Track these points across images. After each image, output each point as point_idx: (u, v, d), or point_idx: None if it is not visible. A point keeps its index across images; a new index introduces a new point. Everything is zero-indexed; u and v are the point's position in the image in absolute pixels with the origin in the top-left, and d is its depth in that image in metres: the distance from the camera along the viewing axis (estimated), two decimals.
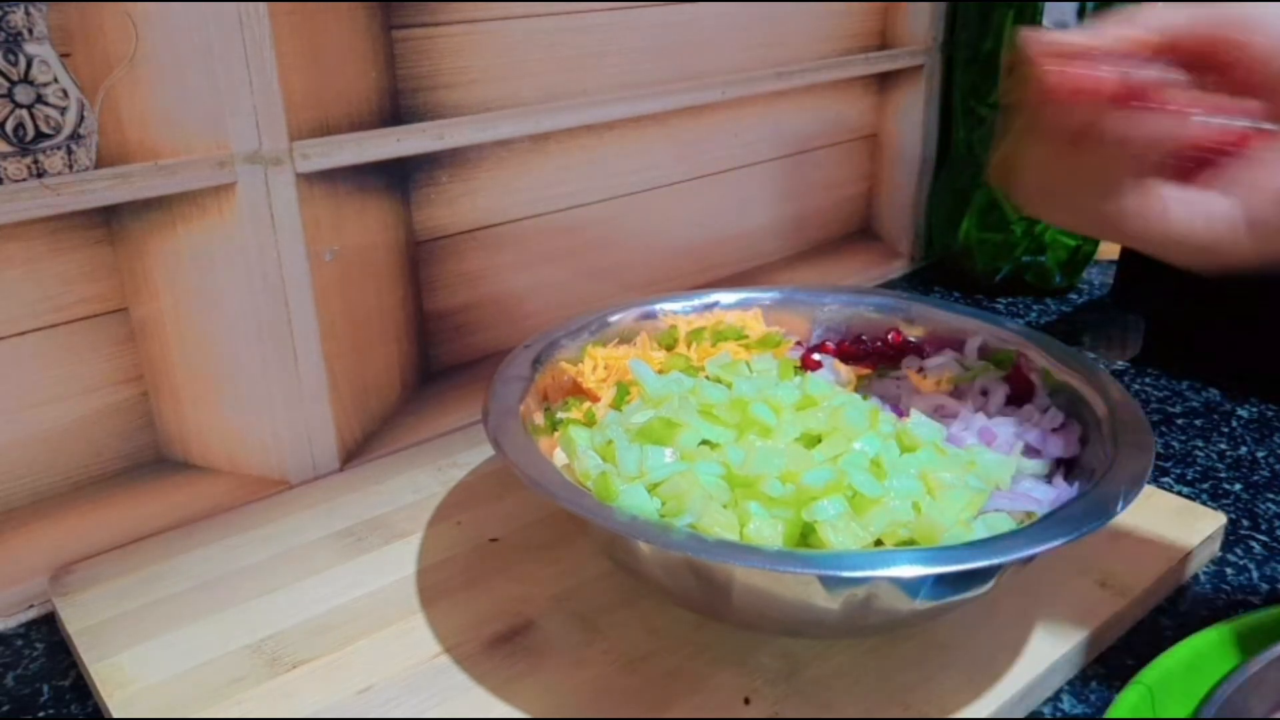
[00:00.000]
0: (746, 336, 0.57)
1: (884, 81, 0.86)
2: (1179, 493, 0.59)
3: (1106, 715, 0.40)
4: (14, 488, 0.49)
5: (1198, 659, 0.42)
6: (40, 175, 0.46)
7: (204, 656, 0.45)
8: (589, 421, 0.49)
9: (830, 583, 0.38)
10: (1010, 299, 0.89)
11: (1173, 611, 0.50)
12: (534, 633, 0.46)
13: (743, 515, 0.41)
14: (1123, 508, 0.40)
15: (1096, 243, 0.88)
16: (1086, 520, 0.39)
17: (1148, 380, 0.73)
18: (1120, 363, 0.76)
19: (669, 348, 0.56)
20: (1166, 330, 0.75)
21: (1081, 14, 0.79)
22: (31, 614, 0.51)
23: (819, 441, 0.44)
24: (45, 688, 0.46)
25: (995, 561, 0.38)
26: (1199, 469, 0.62)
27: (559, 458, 0.47)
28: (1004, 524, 0.41)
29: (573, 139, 0.66)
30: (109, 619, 0.47)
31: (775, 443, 0.44)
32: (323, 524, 0.54)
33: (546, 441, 0.47)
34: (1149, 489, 0.56)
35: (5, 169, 0.45)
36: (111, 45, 0.47)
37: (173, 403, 0.53)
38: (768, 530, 0.40)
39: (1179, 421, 0.67)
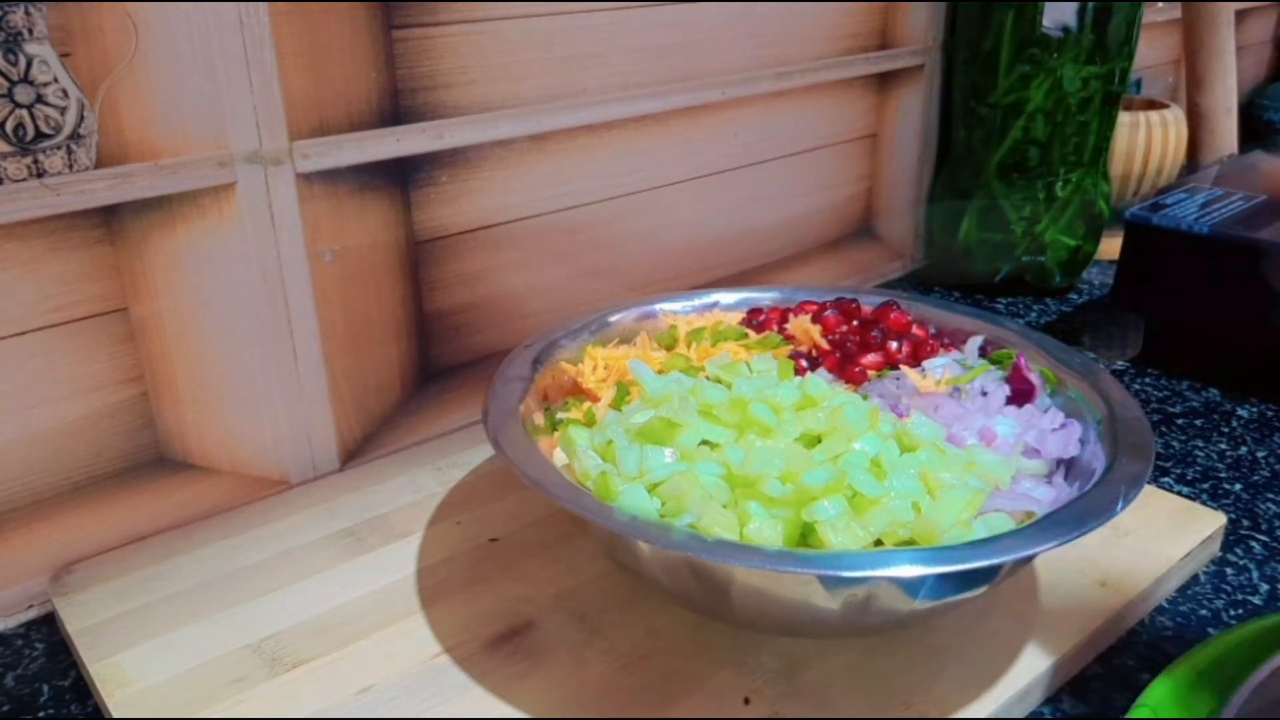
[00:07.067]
0: (747, 336, 0.57)
1: (884, 81, 0.86)
2: (1179, 493, 0.59)
3: None
4: (14, 488, 0.49)
5: (1197, 678, 0.41)
6: (40, 175, 0.46)
7: (204, 656, 0.45)
8: (589, 421, 0.49)
9: (830, 583, 0.38)
10: (1010, 299, 0.89)
11: (1173, 612, 0.50)
12: (534, 633, 0.46)
13: (743, 515, 0.41)
14: (1123, 508, 0.40)
15: (1096, 243, 0.88)
16: (1086, 520, 0.39)
17: (1148, 380, 0.73)
18: (1120, 363, 0.76)
19: (669, 348, 0.56)
20: (1166, 330, 0.75)
21: (1081, 14, 0.79)
22: (31, 614, 0.51)
23: (819, 441, 0.44)
24: (45, 688, 0.46)
25: (995, 561, 0.38)
26: (1199, 469, 0.62)
27: (559, 458, 0.47)
28: (1004, 524, 0.41)
29: (572, 139, 0.66)
30: (109, 619, 0.47)
31: (775, 443, 0.44)
32: (323, 524, 0.54)
33: (546, 441, 0.47)
34: (1149, 489, 0.56)
35: (5, 169, 0.45)
36: (111, 45, 0.47)
37: (173, 403, 0.53)
38: (768, 530, 0.40)
39: (1179, 421, 0.67)
